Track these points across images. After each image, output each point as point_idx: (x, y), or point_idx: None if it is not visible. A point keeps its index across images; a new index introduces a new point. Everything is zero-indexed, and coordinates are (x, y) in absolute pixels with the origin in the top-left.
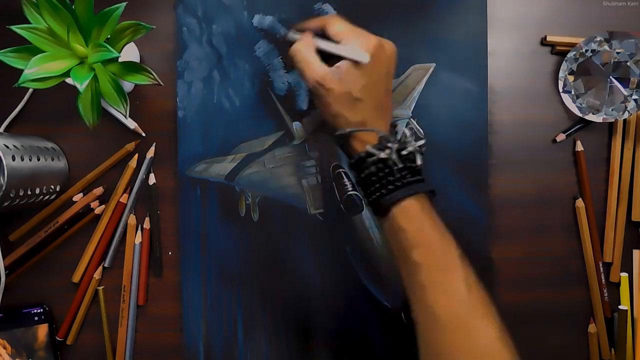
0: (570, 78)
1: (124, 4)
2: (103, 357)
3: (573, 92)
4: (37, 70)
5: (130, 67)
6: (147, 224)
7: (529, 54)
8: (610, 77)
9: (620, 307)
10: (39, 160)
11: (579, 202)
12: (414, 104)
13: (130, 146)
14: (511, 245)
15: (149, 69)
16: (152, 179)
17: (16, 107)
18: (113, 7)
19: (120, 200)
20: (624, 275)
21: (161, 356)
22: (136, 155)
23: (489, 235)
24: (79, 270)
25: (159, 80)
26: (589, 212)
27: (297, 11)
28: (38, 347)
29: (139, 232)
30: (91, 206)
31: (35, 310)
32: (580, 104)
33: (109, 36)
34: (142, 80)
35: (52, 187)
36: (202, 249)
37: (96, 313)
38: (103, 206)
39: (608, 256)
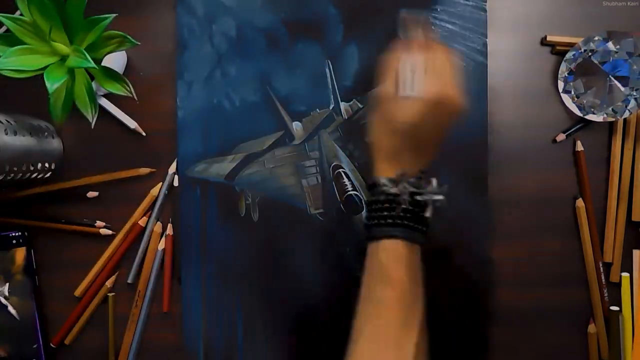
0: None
1: (114, 15)
2: (103, 358)
3: (573, 92)
4: (13, 60)
5: (111, 74)
6: (169, 230)
7: (529, 54)
8: (610, 76)
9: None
10: (32, 136)
11: (579, 202)
12: None
13: (144, 171)
14: (511, 245)
15: (128, 81)
16: (176, 181)
17: (17, 105)
18: (102, 16)
19: (139, 223)
20: (625, 275)
21: (161, 356)
22: (159, 184)
23: (489, 235)
24: (82, 287)
25: (134, 95)
26: (589, 212)
27: (298, 11)
28: (15, 270)
29: (163, 238)
30: (96, 225)
31: (13, 234)
32: (580, 104)
33: (93, 41)
34: (118, 89)
35: (47, 165)
36: (202, 249)
37: (97, 315)
38: (109, 231)
39: (608, 256)
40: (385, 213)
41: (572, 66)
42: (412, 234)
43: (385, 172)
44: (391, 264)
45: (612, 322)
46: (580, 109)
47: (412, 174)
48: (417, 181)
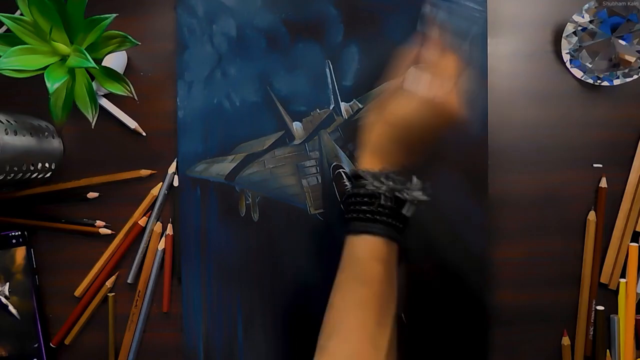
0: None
1: (114, 15)
2: (103, 358)
3: (582, 62)
4: (14, 60)
5: (111, 74)
6: (169, 230)
7: (529, 54)
8: (612, 38)
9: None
10: (32, 136)
11: (591, 215)
12: None
13: (145, 172)
14: (511, 246)
15: (128, 81)
16: (176, 181)
17: (17, 105)
18: (103, 16)
19: (139, 222)
20: (622, 281)
21: (161, 356)
22: (159, 184)
23: (488, 236)
24: (82, 287)
25: (134, 95)
26: (598, 227)
27: (298, 11)
28: (16, 270)
29: (163, 238)
30: (95, 225)
31: (13, 233)
32: (592, 74)
33: (93, 41)
34: (118, 89)
35: (47, 165)
36: (202, 249)
37: (97, 315)
38: (108, 231)
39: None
40: (364, 207)
41: (575, 40)
42: (390, 231)
43: (369, 165)
44: (368, 262)
45: (599, 322)
46: (593, 79)
47: (395, 171)
48: (399, 178)
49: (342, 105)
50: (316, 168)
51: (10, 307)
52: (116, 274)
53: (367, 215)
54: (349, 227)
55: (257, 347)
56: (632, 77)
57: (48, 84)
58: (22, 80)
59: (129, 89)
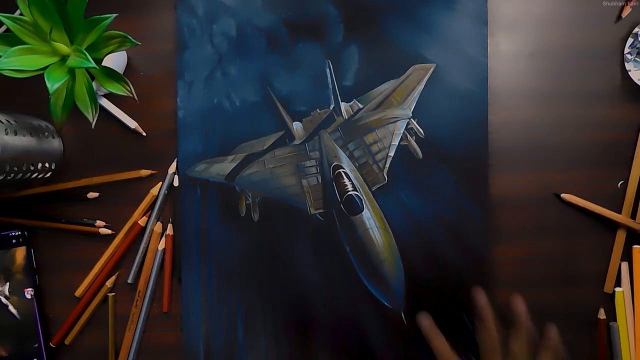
0: None
1: (114, 15)
2: (103, 358)
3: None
4: (14, 60)
5: (111, 74)
6: (169, 230)
7: (529, 54)
8: None
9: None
10: (32, 136)
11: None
12: (414, 104)
13: (145, 172)
14: (511, 245)
15: (128, 81)
16: (176, 181)
17: (17, 105)
18: (103, 16)
19: (139, 222)
20: (619, 290)
21: (161, 356)
22: (159, 184)
23: (488, 235)
24: (83, 287)
25: (134, 95)
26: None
27: (298, 11)
28: (16, 269)
29: (163, 238)
30: (95, 225)
31: (13, 233)
32: None
33: (93, 41)
34: (118, 89)
35: (47, 165)
36: (202, 249)
37: (97, 315)
38: (109, 231)
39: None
40: None
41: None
42: None
43: None
44: None
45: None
46: None
47: None
48: None
49: (342, 105)
50: (316, 168)
51: (10, 307)
52: (116, 274)
53: None
54: None
55: (257, 347)
56: None
57: (48, 84)
58: (22, 80)
59: (129, 89)
